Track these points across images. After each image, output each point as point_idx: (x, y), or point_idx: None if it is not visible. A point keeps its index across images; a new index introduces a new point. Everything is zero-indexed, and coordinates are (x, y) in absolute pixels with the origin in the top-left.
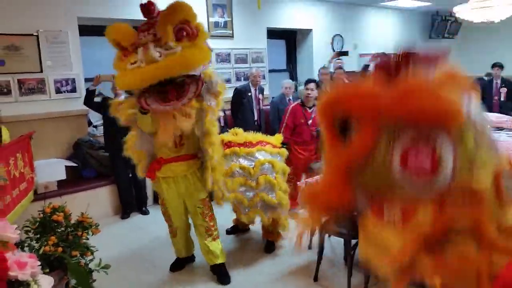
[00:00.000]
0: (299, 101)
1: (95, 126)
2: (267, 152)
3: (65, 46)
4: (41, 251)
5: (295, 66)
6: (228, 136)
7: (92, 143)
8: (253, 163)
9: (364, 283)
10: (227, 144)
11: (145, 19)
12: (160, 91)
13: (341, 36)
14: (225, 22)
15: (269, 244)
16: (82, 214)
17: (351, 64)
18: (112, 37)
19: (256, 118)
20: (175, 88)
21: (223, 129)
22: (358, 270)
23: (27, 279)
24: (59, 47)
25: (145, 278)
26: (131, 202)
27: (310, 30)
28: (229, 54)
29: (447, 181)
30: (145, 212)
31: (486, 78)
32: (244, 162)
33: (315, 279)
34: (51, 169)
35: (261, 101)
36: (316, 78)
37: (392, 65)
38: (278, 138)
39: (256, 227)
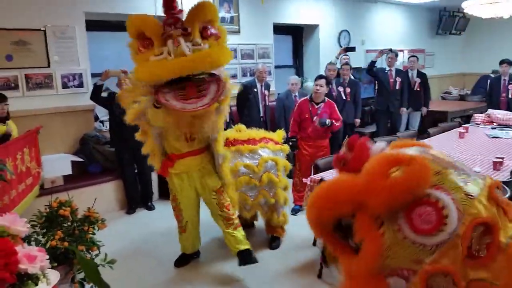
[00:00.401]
0: (307, 96)
1: (102, 121)
2: (270, 149)
3: (72, 41)
4: (47, 246)
5: (301, 62)
6: (232, 133)
7: (98, 138)
8: (257, 161)
9: None
10: (232, 143)
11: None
12: (179, 87)
13: (348, 31)
14: (232, 18)
15: (273, 240)
16: (88, 209)
17: (358, 60)
18: (135, 26)
19: (261, 114)
20: (195, 85)
21: (228, 125)
22: None
23: (36, 272)
24: (67, 42)
25: (151, 274)
26: (136, 197)
27: (317, 25)
28: (235, 50)
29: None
30: (151, 208)
31: (493, 75)
32: (248, 160)
33: (319, 276)
34: (57, 164)
35: (267, 97)
36: (323, 74)
37: (346, 159)
38: (279, 134)
39: (260, 223)
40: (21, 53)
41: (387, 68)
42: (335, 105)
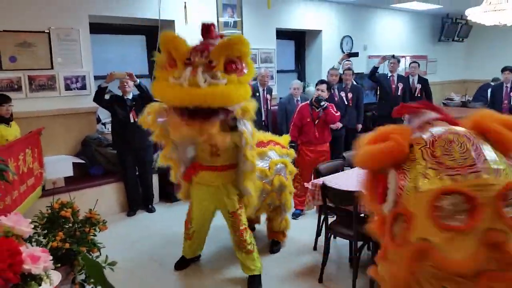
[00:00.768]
0: (308, 101)
1: (104, 124)
2: (277, 152)
3: (76, 43)
4: (48, 247)
5: (303, 67)
6: None
7: (100, 140)
8: (268, 164)
9: (369, 285)
10: None
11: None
12: (190, 112)
13: (350, 37)
14: (235, 22)
15: (274, 244)
16: (90, 211)
17: (361, 65)
18: (166, 45)
19: (263, 118)
20: (204, 115)
21: None
22: (363, 272)
23: (40, 273)
24: (70, 44)
25: (151, 276)
26: (137, 199)
27: (320, 31)
28: None
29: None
30: (151, 210)
31: (493, 83)
32: (260, 163)
33: (320, 280)
34: (59, 165)
35: (269, 102)
36: (325, 79)
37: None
38: (286, 138)
39: (261, 227)
40: (25, 55)
41: (389, 74)
42: (334, 106)
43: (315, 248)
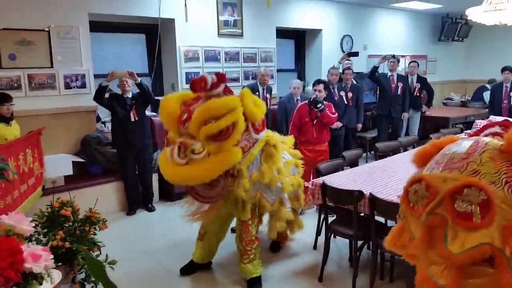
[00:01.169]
0: (307, 100)
1: (104, 122)
2: (288, 153)
3: (75, 42)
4: (48, 245)
5: (303, 66)
6: None
7: (100, 139)
8: (283, 165)
9: (369, 285)
10: None
11: None
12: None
13: (350, 36)
14: (235, 21)
15: (275, 243)
16: (90, 210)
17: (360, 65)
18: (160, 117)
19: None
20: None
21: None
22: (363, 272)
23: (41, 271)
24: (70, 42)
25: (150, 275)
26: (137, 198)
27: (320, 30)
28: (238, 53)
29: None
30: (151, 209)
31: (489, 86)
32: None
33: (320, 279)
34: (58, 164)
35: (268, 101)
36: (325, 78)
37: None
38: (290, 139)
39: (262, 227)
40: (24, 53)
41: (389, 74)
42: (332, 106)
43: (315, 247)
